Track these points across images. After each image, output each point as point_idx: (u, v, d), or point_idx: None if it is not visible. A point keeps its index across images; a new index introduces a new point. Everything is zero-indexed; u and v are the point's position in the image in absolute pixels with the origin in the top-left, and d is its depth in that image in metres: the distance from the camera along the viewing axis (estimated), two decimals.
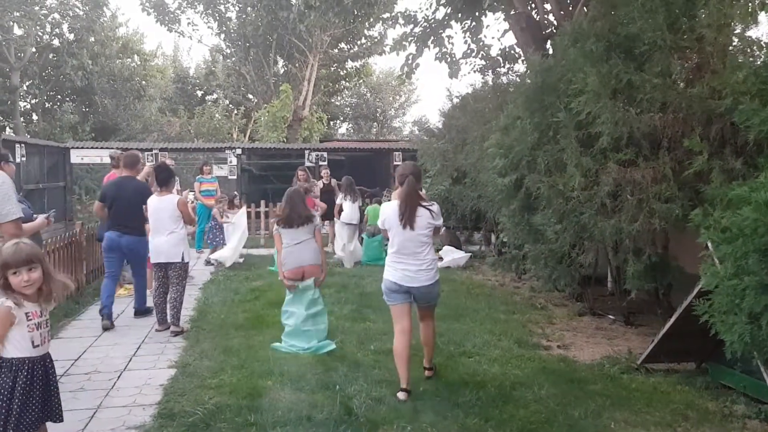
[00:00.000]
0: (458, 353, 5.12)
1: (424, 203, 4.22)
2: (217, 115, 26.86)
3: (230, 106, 29.47)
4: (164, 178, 5.91)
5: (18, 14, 21.64)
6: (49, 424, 3.52)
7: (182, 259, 5.78)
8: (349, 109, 37.37)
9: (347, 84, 29.19)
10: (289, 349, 5.12)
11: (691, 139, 4.34)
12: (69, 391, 4.21)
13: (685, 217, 4.64)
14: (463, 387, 4.25)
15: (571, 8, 8.64)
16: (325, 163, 14.39)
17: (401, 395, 4.04)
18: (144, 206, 6.02)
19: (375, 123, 38.26)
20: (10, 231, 3.57)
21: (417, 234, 4.14)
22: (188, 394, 4.07)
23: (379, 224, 4.50)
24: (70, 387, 4.30)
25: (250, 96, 28.33)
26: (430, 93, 43.65)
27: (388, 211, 4.28)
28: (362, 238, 10.70)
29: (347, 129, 38.36)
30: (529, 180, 5.40)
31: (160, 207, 5.82)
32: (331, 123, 29.57)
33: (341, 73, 27.48)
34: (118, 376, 4.53)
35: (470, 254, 10.28)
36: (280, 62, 25.04)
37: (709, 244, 3.93)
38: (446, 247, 10.32)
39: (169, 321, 5.81)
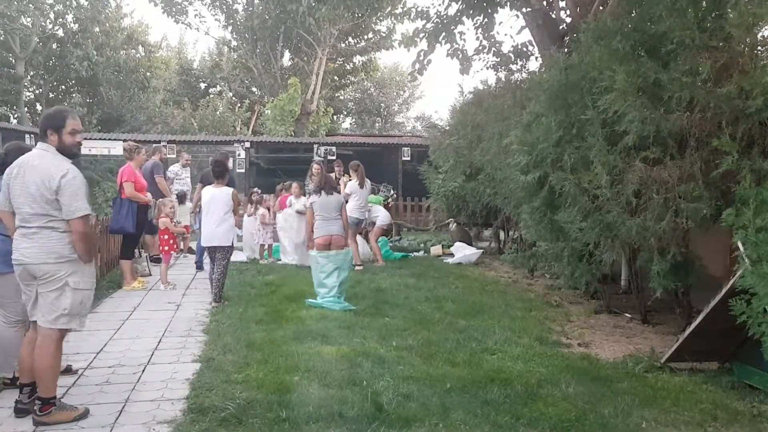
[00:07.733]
0: (480, 350, 5.11)
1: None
2: (221, 108, 26.80)
3: (234, 98, 29.41)
4: (220, 171, 6.76)
5: (22, 2, 21.49)
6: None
7: (231, 243, 6.70)
8: (352, 103, 37.32)
9: (353, 79, 29.10)
10: (323, 304, 6.38)
11: (720, 139, 4.32)
12: (95, 384, 4.21)
13: (712, 216, 4.64)
14: (490, 384, 4.24)
15: (588, 6, 8.61)
16: (334, 157, 14.34)
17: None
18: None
19: (378, 118, 38.23)
20: (79, 228, 3.46)
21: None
22: (216, 388, 4.05)
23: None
24: (95, 380, 4.28)
25: (254, 89, 28.24)
26: (433, 89, 43.63)
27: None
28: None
29: (350, 124, 38.31)
30: (553, 178, 5.37)
31: (217, 197, 6.63)
32: (335, 117, 29.50)
33: (347, 68, 27.38)
34: (143, 370, 4.52)
35: (482, 250, 10.27)
36: (287, 55, 24.92)
37: (740, 245, 3.93)
38: (457, 244, 10.31)
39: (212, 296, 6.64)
